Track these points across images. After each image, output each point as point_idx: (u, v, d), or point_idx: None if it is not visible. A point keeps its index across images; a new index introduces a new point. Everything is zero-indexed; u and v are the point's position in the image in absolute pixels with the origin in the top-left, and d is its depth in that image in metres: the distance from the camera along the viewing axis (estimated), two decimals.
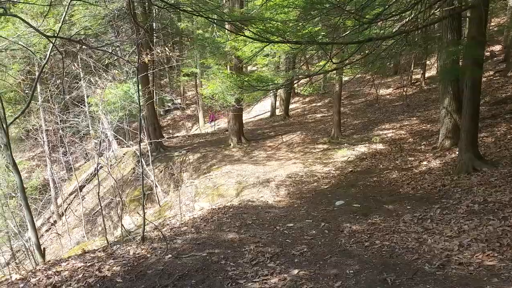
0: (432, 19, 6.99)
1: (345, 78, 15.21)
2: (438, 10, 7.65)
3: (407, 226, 5.13)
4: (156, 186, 12.49)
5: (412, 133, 11.49)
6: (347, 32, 6.35)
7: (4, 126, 5.60)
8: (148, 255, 4.63)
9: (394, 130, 12.35)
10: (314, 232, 5.42)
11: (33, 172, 19.59)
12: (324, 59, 10.33)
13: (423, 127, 11.77)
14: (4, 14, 3.61)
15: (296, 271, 3.90)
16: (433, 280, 3.46)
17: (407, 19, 6.73)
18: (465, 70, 7.17)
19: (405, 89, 17.29)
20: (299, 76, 8.84)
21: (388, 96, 18.25)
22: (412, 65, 18.77)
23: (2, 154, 13.00)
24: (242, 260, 4.32)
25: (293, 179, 9.54)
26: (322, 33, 6.20)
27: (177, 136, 20.17)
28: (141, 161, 6.57)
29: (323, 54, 9.13)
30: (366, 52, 6.71)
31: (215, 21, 5.67)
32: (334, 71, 11.28)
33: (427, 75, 18.30)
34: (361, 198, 7.14)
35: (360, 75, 19.93)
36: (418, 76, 18.71)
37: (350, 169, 9.56)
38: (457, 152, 7.50)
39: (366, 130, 13.34)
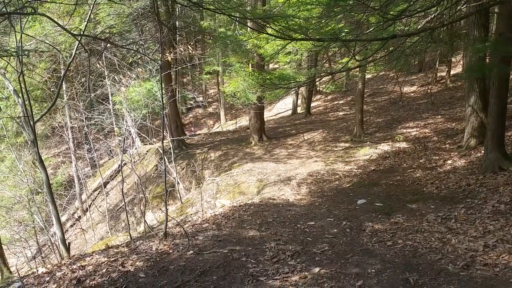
0: (458, 16, 6.84)
1: (368, 76, 15.04)
2: (464, 6, 7.46)
3: (430, 226, 5.03)
4: (178, 183, 12.65)
5: (437, 131, 11.25)
6: (371, 29, 6.26)
7: (31, 123, 5.79)
8: (170, 251, 4.70)
9: (418, 129, 12.12)
10: (335, 230, 5.39)
11: (59, 168, 20.13)
12: (347, 56, 10.23)
13: (448, 126, 11.51)
14: (33, 13, 3.73)
15: (317, 269, 3.89)
16: (457, 280, 3.39)
17: (432, 16, 6.58)
18: (492, 67, 6.96)
19: (429, 86, 16.94)
20: (322, 74, 8.77)
21: (412, 94, 17.92)
22: (437, 63, 18.36)
23: (29, 150, 13.44)
24: (263, 257, 4.34)
25: (315, 177, 9.49)
26: (346, 30, 6.13)
27: (199, 134, 20.36)
28: (164, 158, 6.67)
29: (346, 52, 9.05)
30: (390, 49, 6.61)
31: (237, 19, 5.69)
32: (357, 69, 11.15)
33: (452, 72, 17.86)
34: (384, 197, 7.05)
35: (383, 72, 19.65)
36: (443, 74, 18.29)
37: (372, 168, 9.44)
38: (483, 151, 7.30)
39: (389, 128, 13.14)
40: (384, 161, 9.79)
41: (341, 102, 21.45)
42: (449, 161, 8.39)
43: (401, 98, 17.33)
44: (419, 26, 7.14)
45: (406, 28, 6.91)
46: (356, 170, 9.58)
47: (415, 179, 7.84)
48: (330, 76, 18.17)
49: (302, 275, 3.79)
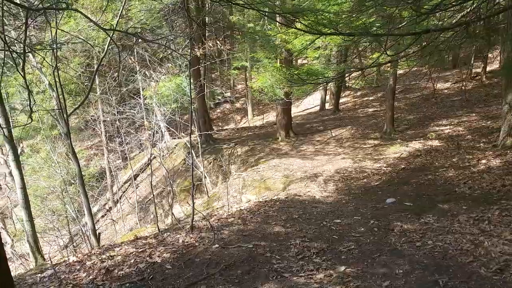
0: (496, 9, 6.53)
1: (399, 71, 14.65)
2: None
3: (462, 227, 4.87)
4: (205, 177, 12.79)
5: (471, 129, 10.86)
6: (403, 23, 6.09)
7: (65, 116, 5.98)
8: (196, 244, 4.75)
9: (451, 126, 11.74)
10: (362, 229, 5.29)
11: (91, 161, 20.74)
12: (378, 51, 10.00)
13: (483, 124, 11.08)
14: (66, 8, 3.84)
15: (342, 268, 3.84)
16: (489, 284, 3.27)
17: (468, 9, 6.33)
18: None
19: (464, 83, 16.36)
20: (351, 69, 8.63)
21: (445, 91, 17.36)
22: (473, 58, 17.68)
23: (63, 142, 13.91)
24: (288, 253, 4.32)
25: (342, 174, 9.36)
26: (377, 24, 5.98)
27: (226, 129, 20.48)
28: (192, 152, 6.74)
29: (377, 46, 8.84)
30: (423, 44, 6.40)
31: (266, 13, 5.66)
32: (389, 64, 10.90)
33: (488, 68, 17.17)
34: (414, 197, 6.87)
35: (416, 68, 19.10)
36: (479, 70, 17.61)
37: (402, 166, 9.22)
38: None
39: (421, 126, 12.79)
40: (415, 160, 9.54)
41: (371, 98, 21.05)
42: (483, 161, 8.08)
43: (434, 94, 16.81)
44: (454, 21, 6.88)
45: (440, 23, 6.68)
46: (385, 168, 9.39)
47: (447, 179, 7.60)
48: (360, 72, 17.81)
49: (327, 273, 3.74)
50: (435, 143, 10.47)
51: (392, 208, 6.37)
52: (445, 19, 6.86)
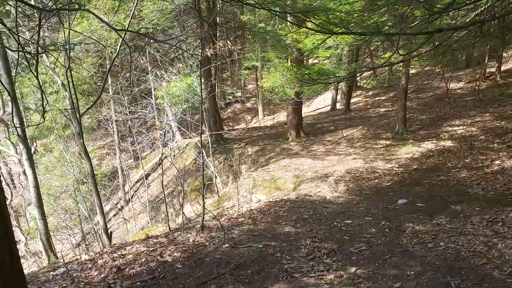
0: (511, 8, 6.42)
1: (412, 71, 14.50)
2: None
3: (475, 229, 4.80)
4: (216, 177, 12.82)
5: (485, 130, 10.69)
6: (416, 22, 6.02)
7: (78, 116, 6.04)
8: (207, 243, 4.77)
9: (464, 127, 11.57)
10: (373, 230, 5.25)
11: (103, 160, 20.95)
12: (390, 50, 9.92)
13: (497, 124, 10.90)
14: (79, 9, 3.88)
15: (353, 269, 3.81)
16: (503, 287, 3.21)
17: (482, 8, 6.23)
18: None
19: (478, 83, 16.11)
20: (363, 69, 8.55)
21: (458, 91, 17.13)
22: (487, 58, 17.41)
23: (76, 142, 14.07)
24: (298, 254, 4.31)
25: (353, 175, 9.30)
26: (389, 24, 5.92)
27: (237, 129, 20.51)
28: (202, 152, 6.77)
29: (389, 46, 8.77)
30: (436, 43, 6.32)
31: (277, 13, 5.64)
32: (401, 64, 10.79)
33: (503, 68, 16.88)
34: (426, 197, 6.80)
35: (428, 67, 18.90)
36: (493, 70, 17.32)
37: (414, 167, 9.12)
38: None
39: (433, 126, 12.64)
40: (427, 160, 9.43)
41: (382, 98, 20.87)
42: (497, 161, 7.95)
43: (446, 94, 16.60)
44: (467, 20, 6.79)
45: (453, 22, 6.59)
46: (397, 169, 9.30)
47: (459, 180, 7.50)
48: (371, 71, 17.68)
49: (338, 274, 3.72)
50: (448, 143, 10.34)
51: (404, 209, 6.31)
52: (459, 18, 6.77)
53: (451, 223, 5.17)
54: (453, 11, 5.75)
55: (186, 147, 16.91)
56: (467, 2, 5.39)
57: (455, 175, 7.83)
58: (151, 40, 13.86)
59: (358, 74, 9.70)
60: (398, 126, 12.56)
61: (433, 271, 3.66)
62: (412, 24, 6.18)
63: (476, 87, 15.68)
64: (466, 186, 7.02)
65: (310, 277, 3.68)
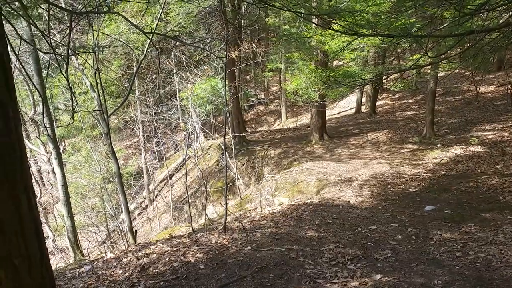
0: None
1: (440, 74, 14.15)
2: None
3: (507, 238, 4.60)
4: (238, 178, 12.84)
5: None
6: (445, 24, 5.86)
7: (105, 116, 6.16)
8: (229, 245, 4.76)
9: (495, 132, 11.19)
10: (399, 237, 5.12)
11: (129, 160, 21.35)
12: (418, 53, 9.70)
13: None
14: (108, 12, 3.96)
15: (378, 276, 3.72)
16: None
17: None
18: None
19: (509, 86, 15.57)
20: (389, 72, 8.39)
21: (489, 94, 16.59)
22: None
23: (103, 142, 14.39)
24: (321, 259, 4.24)
25: (378, 179, 9.13)
26: (417, 26, 5.78)
27: (260, 131, 20.51)
28: (225, 154, 6.78)
29: (417, 48, 8.58)
30: (466, 45, 6.13)
31: (302, 15, 5.60)
32: (429, 66, 10.54)
33: None
34: (454, 204, 6.59)
35: (458, 70, 18.39)
36: None
37: (443, 172, 8.87)
38: None
39: (462, 131, 12.28)
40: (456, 166, 9.16)
41: (409, 101, 20.46)
42: None
43: (476, 98, 16.11)
44: (500, 21, 6.55)
45: (485, 24, 6.37)
46: (424, 174, 9.07)
47: (490, 186, 7.24)
48: (398, 74, 17.34)
49: (362, 281, 3.64)
50: (478, 148, 10.01)
51: (431, 215, 6.13)
52: (491, 20, 6.54)
53: (481, 232, 4.99)
54: (486, 13, 5.56)
55: (209, 148, 17.03)
56: (500, 3, 5.20)
57: (485, 182, 7.56)
58: (178, 43, 14.04)
59: (384, 77, 9.53)
60: (426, 130, 12.26)
61: (462, 281, 3.53)
62: (442, 26, 6.02)
63: (508, 91, 15.16)
64: (497, 194, 6.77)
65: (334, 283, 3.61)
